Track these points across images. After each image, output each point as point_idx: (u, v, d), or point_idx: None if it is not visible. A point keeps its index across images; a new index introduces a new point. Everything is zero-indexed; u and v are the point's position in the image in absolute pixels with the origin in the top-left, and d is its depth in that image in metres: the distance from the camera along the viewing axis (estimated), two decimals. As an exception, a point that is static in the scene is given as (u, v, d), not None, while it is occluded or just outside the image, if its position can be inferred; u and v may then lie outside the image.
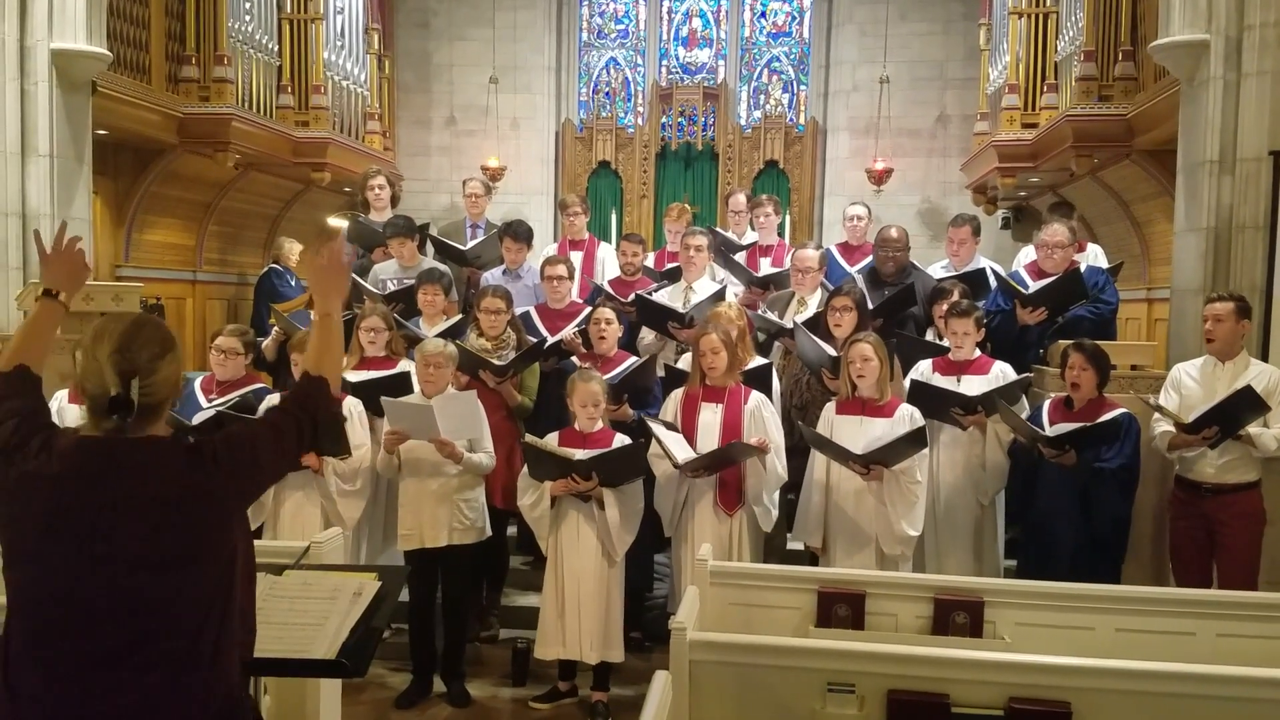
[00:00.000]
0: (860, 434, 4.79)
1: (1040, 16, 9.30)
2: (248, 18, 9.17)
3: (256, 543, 4.38)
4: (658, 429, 4.90)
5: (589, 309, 5.90)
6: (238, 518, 2.29)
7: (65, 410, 5.14)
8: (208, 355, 5.66)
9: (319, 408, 2.43)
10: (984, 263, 6.53)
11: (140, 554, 2.11)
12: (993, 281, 6.16)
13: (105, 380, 2.15)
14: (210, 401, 5.16)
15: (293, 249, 9.49)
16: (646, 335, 6.24)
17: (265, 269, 9.52)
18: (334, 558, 3.87)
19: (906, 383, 5.22)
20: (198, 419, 5.01)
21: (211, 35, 8.70)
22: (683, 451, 4.82)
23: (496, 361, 5.39)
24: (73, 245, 2.59)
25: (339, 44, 10.44)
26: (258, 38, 9.33)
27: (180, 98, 8.53)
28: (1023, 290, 5.71)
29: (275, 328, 6.37)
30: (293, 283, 9.30)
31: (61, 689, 2.09)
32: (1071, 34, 8.64)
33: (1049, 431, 4.81)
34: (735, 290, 6.45)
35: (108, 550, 2.10)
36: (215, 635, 2.16)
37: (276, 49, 9.72)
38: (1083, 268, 5.88)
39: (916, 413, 4.85)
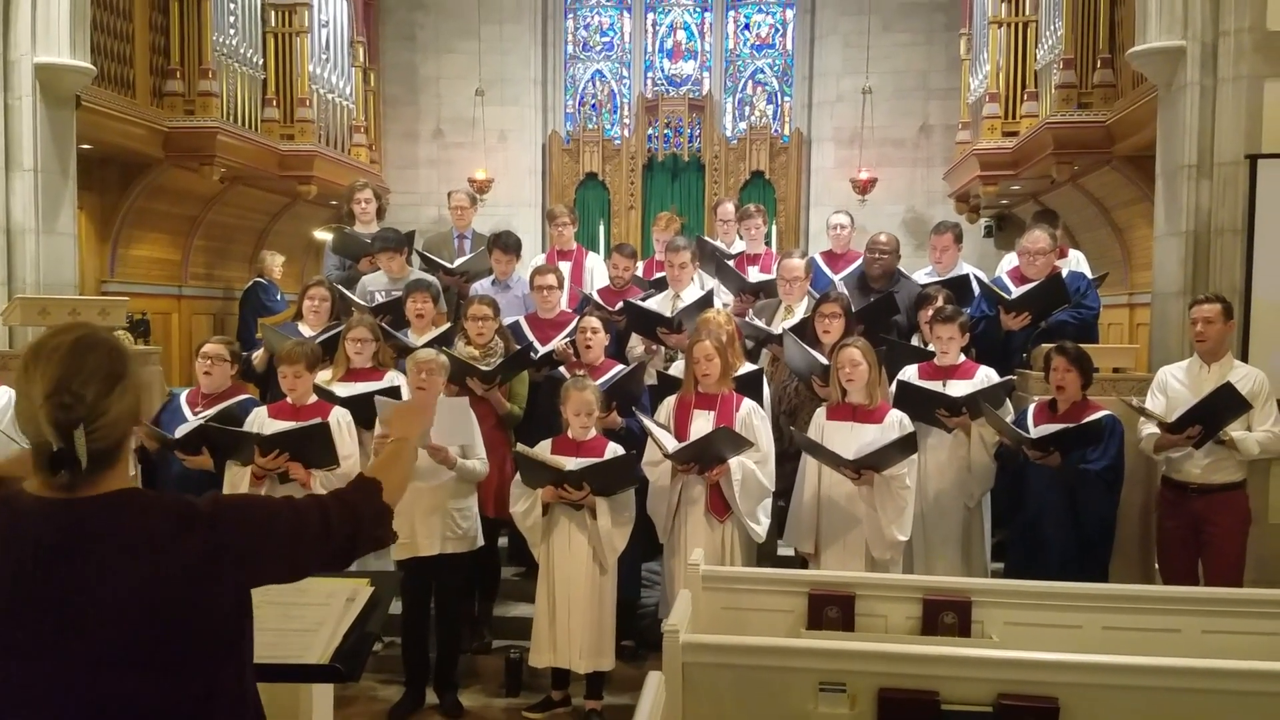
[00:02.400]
0: (851, 439, 4.81)
1: (1020, 25, 9.40)
2: (232, 31, 9.18)
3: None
4: (649, 424, 4.93)
5: (578, 318, 5.92)
6: (233, 597, 1.82)
7: None
8: (193, 369, 5.65)
9: (364, 519, 2.05)
10: (967, 269, 6.60)
11: (123, 649, 1.70)
12: (976, 288, 6.22)
13: (42, 431, 1.71)
14: (196, 414, 5.14)
15: (275, 261, 9.50)
16: (636, 345, 6.27)
17: (251, 283, 9.52)
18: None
19: (894, 387, 5.26)
20: (181, 431, 4.99)
21: (196, 49, 8.71)
22: (674, 444, 4.85)
23: (483, 368, 5.40)
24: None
25: (324, 57, 10.46)
26: (242, 51, 9.35)
27: (165, 112, 8.53)
28: (1006, 296, 5.77)
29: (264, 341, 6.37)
30: (278, 296, 9.31)
31: None
32: (1051, 42, 8.73)
33: (1033, 434, 4.85)
34: (724, 300, 6.48)
35: (81, 645, 1.68)
36: None
37: (261, 62, 9.73)
38: (1065, 273, 5.94)
39: (906, 418, 4.88)
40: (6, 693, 1.70)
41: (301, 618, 2.46)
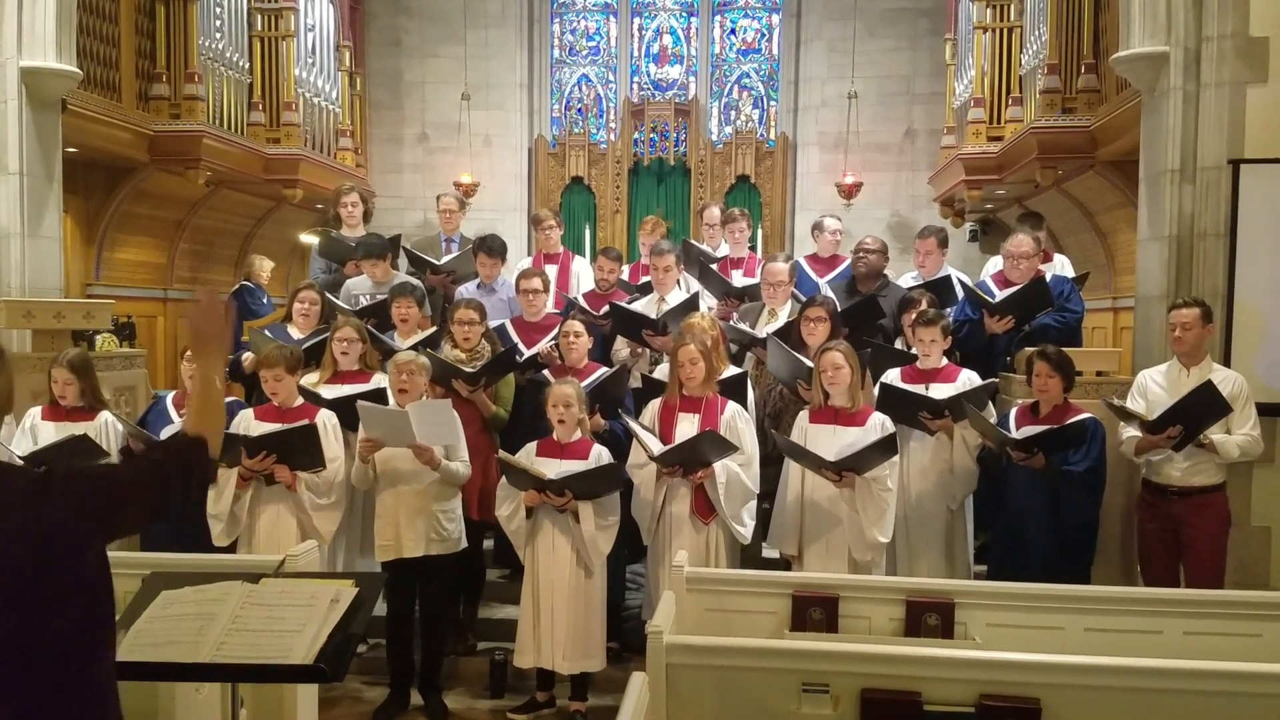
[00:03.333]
0: (834, 442, 4.83)
1: (1004, 31, 9.46)
2: (218, 35, 9.17)
3: (226, 558, 4.40)
4: (634, 426, 4.95)
5: (563, 321, 5.93)
6: (87, 557, 2.07)
7: (39, 427, 5.11)
8: (179, 372, 5.64)
9: (194, 468, 2.23)
10: (950, 271, 6.63)
11: None
12: (959, 290, 6.25)
13: None
14: (180, 415, 5.13)
15: (264, 266, 9.47)
16: (621, 349, 6.28)
17: (237, 286, 9.49)
18: (310, 570, 3.87)
19: (877, 390, 5.29)
20: (166, 433, 4.98)
21: (182, 53, 8.70)
22: (659, 447, 4.86)
23: (468, 370, 5.41)
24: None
25: (310, 61, 10.45)
26: (228, 55, 9.34)
27: (151, 115, 8.52)
28: (990, 300, 5.80)
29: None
30: (264, 300, 9.28)
31: None
32: (1035, 48, 8.79)
33: (1016, 436, 4.88)
34: (709, 303, 6.50)
35: None
36: (68, 681, 2.00)
37: (247, 66, 9.73)
38: (1049, 277, 5.98)
39: (888, 421, 4.90)
40: None
41: (285, 619, 2.47)
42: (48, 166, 6.65)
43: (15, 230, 6.41)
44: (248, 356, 6.11)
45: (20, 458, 4.92)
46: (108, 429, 5.12)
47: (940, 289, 6.19)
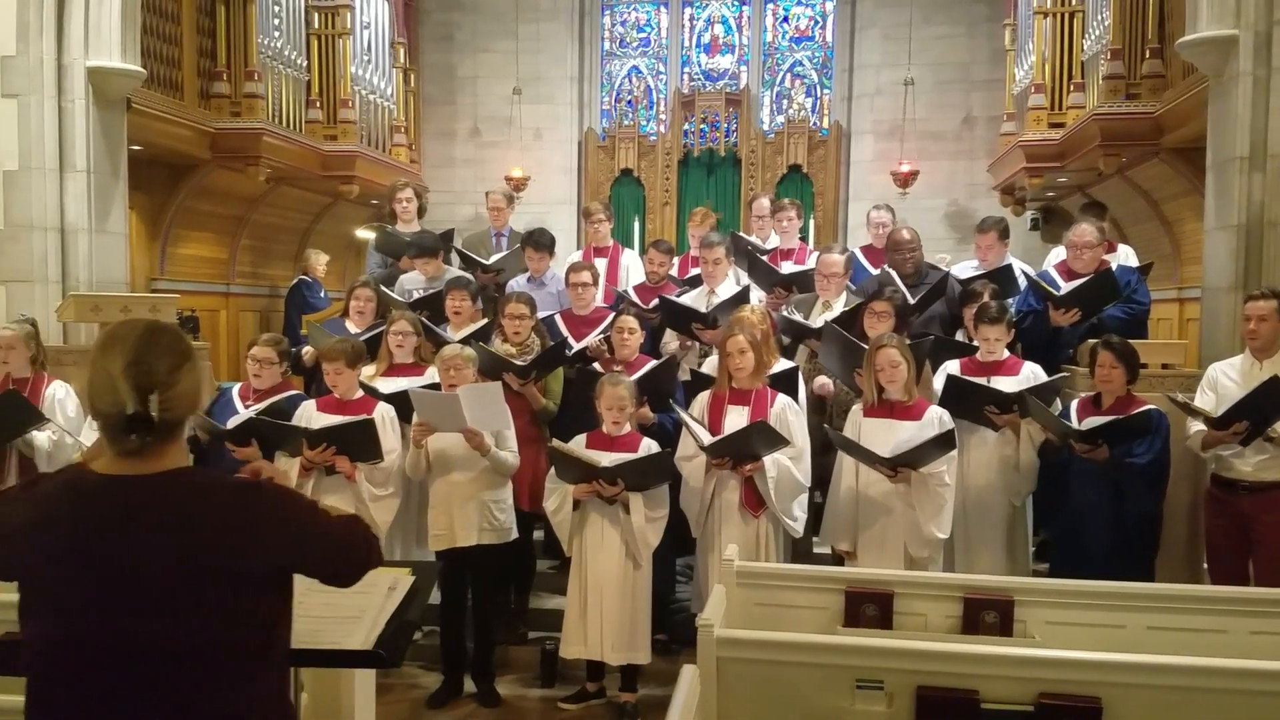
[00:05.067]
0: (889, 437, 4.77)
1: (1066, 16, 9.27)
2: (277, 34, 9.31)
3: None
4: (684, 416, 4.94)
5: (613, 315, 5.94)
6: (283, 574, 2.05)
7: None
8: (242, 365, 5.74)
9: (374, 552, 2.23)
10: (1011, 260, 6.50)
11: (172, 602, 1.89)
12: (1022, 281, 6.14)
13: (120, 396, 1.90)
14: (246, 407, 5.24)
15: (320, 260, 9.63)
16: (670, 342, 6.27)
17: (295, 281, 9.66)
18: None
19: (936, 384, 5.21)
20: (232, 423, 5.10)
21: (242, 51, 8.85)
22: (709, 438, 4.85)
23: (518, 363, 5.44)
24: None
25: (366, 59, 10.57)
26: (286, 53, 9.47)
27: (212, 113, 8.67)
28: (1054, 291, 5.68)
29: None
30: (321, 294, 9.44)
31: None
32: (1098, 33, 8.60)
33: (1080, 428, 4.79)
34: (759, 294, 6.47)
35: (135, 598, 1.89)
36: (261, 687, 1.99)
37: (305, 64, 9.86)
38: (1113, 268, 5.85)
39: (945, 415, 4.82)
40: (80, 643, 1.90)
41: (344, 605, 2.51)
42: (114, 164, 6.81)
43: (83, 226, 6.59)
44: (307, 350, 6.22)
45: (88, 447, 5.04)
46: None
47: (1002, 278, 6.07)
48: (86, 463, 2.04)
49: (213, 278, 9.64)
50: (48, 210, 6.47)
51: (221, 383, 6.70)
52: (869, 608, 3.84)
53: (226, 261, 9.83)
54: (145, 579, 1.89)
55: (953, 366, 5.29)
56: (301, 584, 2.28)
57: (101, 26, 6.51)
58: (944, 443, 4.64)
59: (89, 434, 5.16)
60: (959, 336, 5.90)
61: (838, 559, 5.10)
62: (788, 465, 4.85)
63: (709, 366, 5.51)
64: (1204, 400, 4.94)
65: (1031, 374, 5.20)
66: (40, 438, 5.15)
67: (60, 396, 5.31)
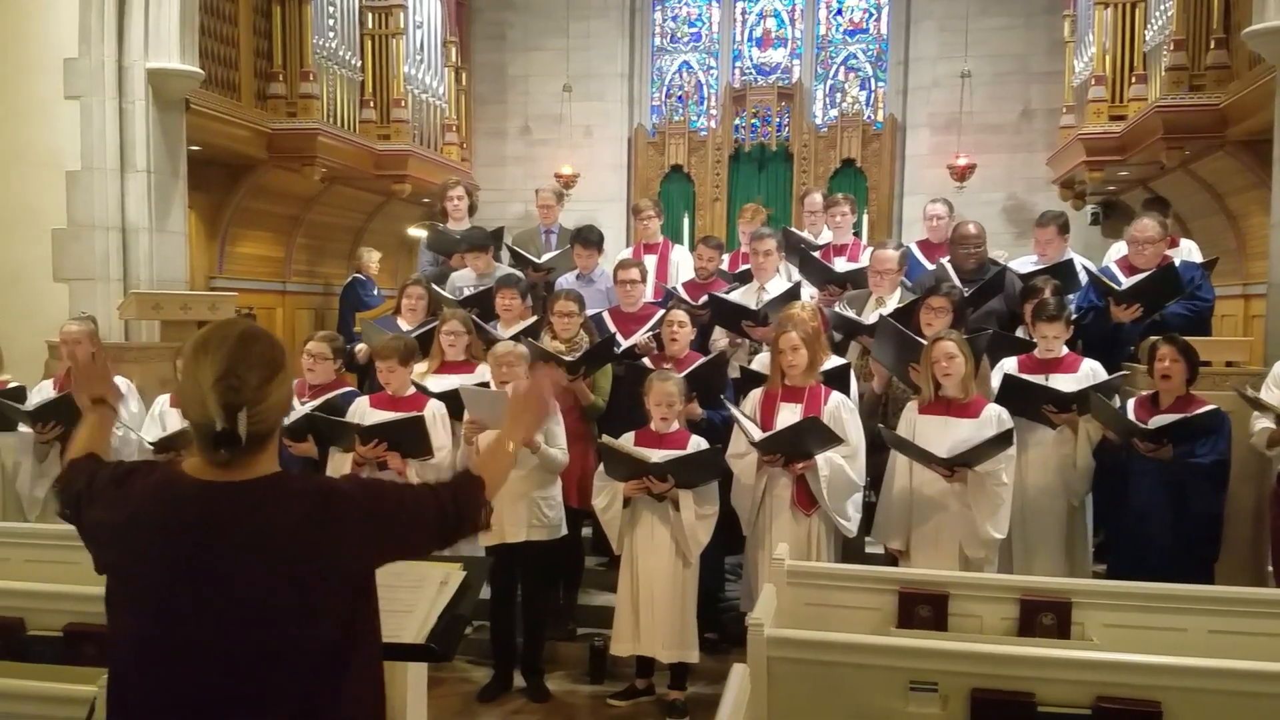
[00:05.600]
0: (945, 434, 4.69)
1: (1127, 6, 9.08)
2: (331, 34, 9.42)
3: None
4: (736, 412, 4.92)
5: (661, 312, 5.93)
6: (362, 576, 2.05)
7: (167, 414, 5.33)
8: (298, 363, 5.83)
9: (471, 505, 2.28)
10: (1071, 255, 6.38)
11: (261, 603, 1.91)
12: (1082, 276, 6.02)
13: (209, 411, 1.90)
14: (302, 404, 5.31)
15: (373, 258, 9.74)
16: (720, 338, 6.24)
17: (349, 279, 9.78)
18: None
19: (994, 381, 5.12)
20: (288, 420, 5.16)
21: (297, 52, 8.97)
22: (760, 434, 4.81)
23: (567, 359, 5.45)
24: (93, 358, 2.53)
25: (418, 58, 10.67)
26: (341, 54, 9.59)
27: (268, 114, 8.80)
28: (1116, 287, 5.57)
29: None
30: (375, 292, 9.55)
31: None
32: (1160, 23, 8.40)
33: (1147, 426, 4.68)
34: (810, 291, 6.41)
35: (222, 601, 1.90)
36: (327, 695, 1.97)
37: (359, 64, 9.97)
38: (1176, 264, 5.71)
39: (1004, 413, 4.73)
40: (168, 641, 1.91)
41: (396, 599, 2.52)
42: (173, 164, 6.94)
43: (144, 225, 6.73)
44: (361, 348, 6.29)
45: (150, 443, 5.15)
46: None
47: (1062, 273, 5.95)
48: (179, 462, 2.05)
49: (269, 276, 9.80)
50: (109, 210, 6.62)
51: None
52: (923, 609, 3.79)
53: (282, 260, 9.98)
54: (230, 584, 1.91)
55: (1010, 364, 5.20)
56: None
57: (161, 29, 6.63)
58: (1002, 442, 4.55)
59: (151, 429, 5.27)
60: (1018, 334, 5.79)
61: (890, 559, 5.04)
62: (841, 464, 4.79)
63: (759, 363, 5.47)
64: (1270, 397, 4.80)
65: (1091, 372, 5.09)
66: (107, 433, 5.25)
67: (122, 392, 5.42)
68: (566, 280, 6.73)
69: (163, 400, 5.42)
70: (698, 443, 4.89)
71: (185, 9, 6.72)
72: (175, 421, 5.24)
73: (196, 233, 8.56)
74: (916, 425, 4.84)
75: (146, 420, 5.36)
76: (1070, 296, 5.73)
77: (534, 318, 6.11)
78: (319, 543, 1.95)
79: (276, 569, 1.92)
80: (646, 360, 5.71)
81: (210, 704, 1.93)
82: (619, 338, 5.90)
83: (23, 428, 5.28)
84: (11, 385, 5.47)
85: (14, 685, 2.73)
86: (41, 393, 5.45)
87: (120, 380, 5.45)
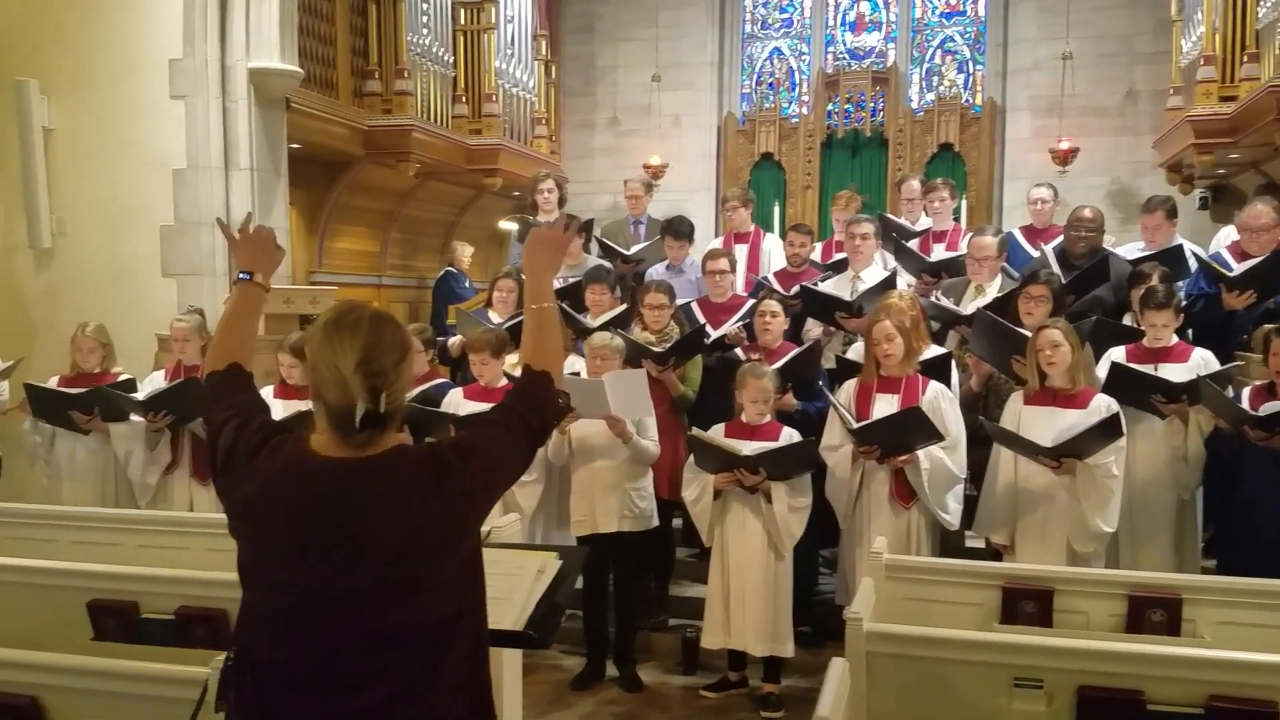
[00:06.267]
0: (1051, 425, 4.54)
1: (1239, -18, 8.67)
2: (425, 31, 9.55)
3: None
4: (833, 400, 4.86)
5: (751, 301, 5.87)
6: (476, 527, 2.13)
7: (271, 405, 5.46)
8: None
9: (545, 402, 2.30)
10: (1181, 241, 6.14)
11: (388, 575, 1.98)
12: (1191, 262, 5.79)
13: (352, 394, 1.96)
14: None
15: (465, 252, 9.86)
16: (813, 329, 6.16)
17: (442, 272, 9.92)
18: (512, 542, 3.99)
19: (1101, 371, 4.96)
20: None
21: (392, 50, 9.11)
22: (856, 422, 4.73)
23: (656, 350, 5.43)
24: (260, 228, 2.55)
25: (509, 52, 10.76)
26: (434, 50, 9.72)
27: (365, 111, 8.96)
28: (1227, 273, 5.34)
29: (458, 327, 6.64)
30: (467, 284, 9.67)
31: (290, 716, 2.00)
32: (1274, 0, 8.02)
33: (1259, 413, 4.48)
34: (906, 280, 6.29)
35: (356, 575, 1.97)
36: (453, 660, 2.04)
37: (452, 60, 10.09)
38: (1292, 248, 5.45)
39: (1113, 403, 4.57)
40: (296, 610, 1.99)
41: (495, 586, 2.55)
42: (275, 162, 7.13)
43: (248, 222, 6.90)
44: (454, 340, 6.38)
45: (141, 401, 5.28)
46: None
47: (1171, 260, 5.73)
48: (305, 439, 2.09)
49: (366, 270, 9.99)
50: (214, 207, 6.81)
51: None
52: (1027, 605, 3.69)
53: (378, 254, 10.17)
54: (359, 557, 1.97)
55: (1118, 354, 5.03)
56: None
57: (262, 28, 6.80)
58: (1109, 431, 4.39)
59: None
60: (1125, 322, 5.60)
61: (993, 553, 4.92)
62: (941, 456, 4.68)
63: (855, 352, 5.37)
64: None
65: (1202, 361, 4.89)
66: (215, 422, 5.41)
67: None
68: (656, 271, 6.72)
69: (266, 392, 5.55)
70: (790, 434, 4.84)
71: (285, 9, 6.89)
72: (280, 412, 5.35)
73: (297, 228, 8.76)
74: (1021, 416, 4.70)
75: None
76: (1179, 284, 5.52)
77: (623, 306, 6.12)
78: (439, 500, 2.01)
79: (404, 538, 1.98)
80: (738, 351, 5.67)
81: (334, 679, 1.98)
82: (708, 328, 5.87)
83: (134, 417, 5.47)
84: (123, 377, 5.67)
85: (129, 666, 2.82)
86: (152, 384, 5.64)
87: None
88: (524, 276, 2.51)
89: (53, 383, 5.66)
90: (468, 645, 2.09)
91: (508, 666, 3.94)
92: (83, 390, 5.48)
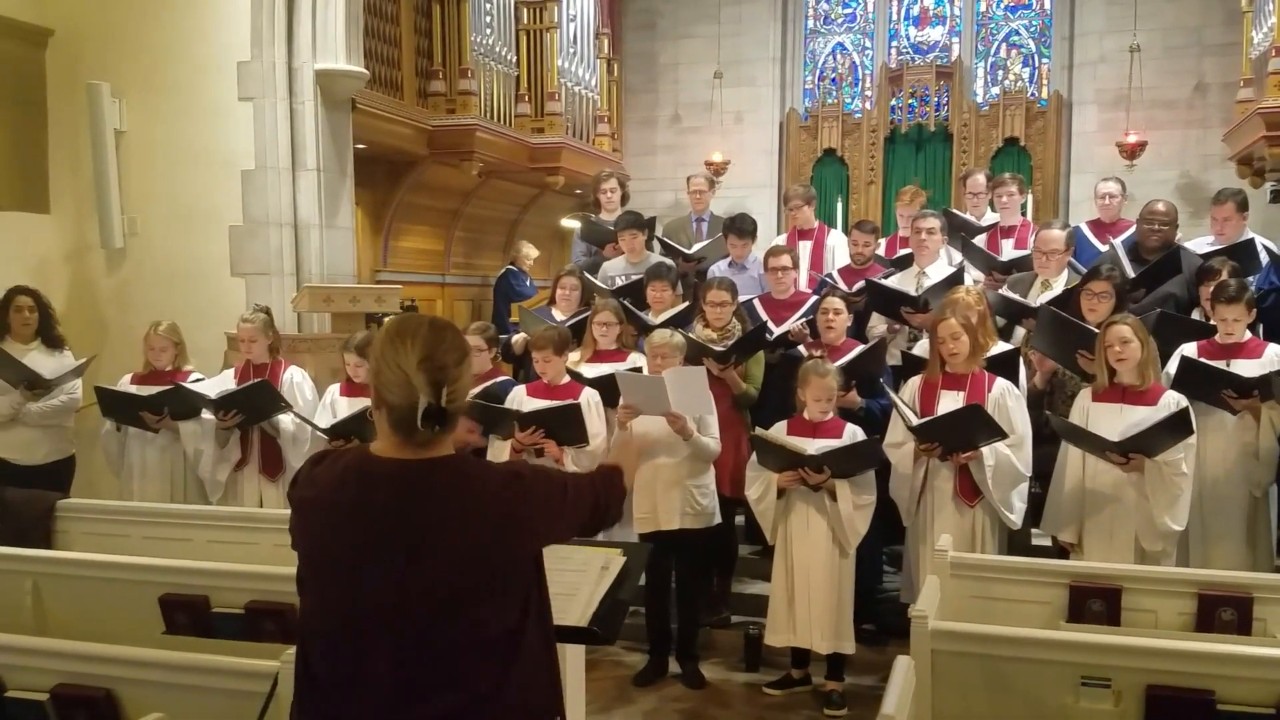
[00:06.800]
0: (1119, 422, 4.46)
1: (1313, -31, 8.41)
2: (489, 31, 9.65)
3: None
4: (895, 398, 4.83)
5: (814, 298, 5.85)
6: (536, 553, 2.18)
7: (338, 403, 5.58)
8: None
9: (613, 498, 2.45)
10: (1252, 235, 5.99)
11: (451, 582, 2.01)
12: (1263, 256, 5.64)
13: (415, 390, 2.01)
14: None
15: (529, 252, 9.95)
16: (877, 324, 6.11)
17: (503, 270, 10.02)
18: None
19: (1171, 366, 4.87)
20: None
21: (456, 50, 9.21)
22: (916, 419, 4.69)
23: (718, 348, 5.44)
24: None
25: (571, 51, 10.82)
26: (498, 49, 9.81)
27: (429, 111, 9.08)
28: (1298, 266, 5.21)
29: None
30: (528, 283, 9.76)
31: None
32: (1353, -15, 7.77)
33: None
34: (974, 276, 6.21)
35: (421, 579, 2.01)
36: (511, 673, 2.07)
37: (515, 59, 10.18)
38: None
39: (1182, 399, 4.47)
40: (358, 618, 2.03)
41: (560, 582, 2.58)
42: (341, 162, 7.25)
43: (315, 222, 7.05)
44: (518, 338, 6.45)
45: (323, 431, 5.39)
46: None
47: (1242, 254, 5.59)
48: (367, 447, 2.15)
49: (430, 268, 10.12)
50: (282, 207, 6.97)
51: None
52: (1095, 603, 3.64)
53: (442, 253, 10.30)
54: (422, 561, 2.00)
55: (1189, 350, 4.93)
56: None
57: (328, 30, 6.92)
58: (1178, 427, 4.30)
59: (323, 417, 5.53)
60: (1194, 318, 5.48)
61: (1059, 551, 4.85)
62: (1007, 454, 4.62)
63: (921, 349, 5.32)
64: None
65: (1275, 356, 4.77)
66: (285, 420, 5.54)
67: (297, 380, 5.70)
68: (719, 268, 6.72)
69: (334, 390, 5.67)
70: (853, 432, 4.81)
71: (351, 11, 7.00)
72: (345, 410, 5.47)
73: (363, 228, 8.91)
74: (1090, 413, 4.62)
75: (319, 409, 5.62)
76: (1250, 278, 5.38)
77: (684, 304, 6.13)
78: (509, 518, 2.07)
79: (469, 542, 2.03)
80: (801, 348, 5.65)
81: (395, 686, 2.00)
82: (770, 325, 5.86)
83: (204, 414, 5.59)
84: (194, 376, 5.81)
85: (201, 660, 2.88)
86: (223, 382, 5.75)
87: (295, 370, 5.74)
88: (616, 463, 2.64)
89: (125, 380, 5.80)
90: (536, 648, 2.13)
91: (571, 662, 3.97)
92: (152, 392, 5.57)
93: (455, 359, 2.08)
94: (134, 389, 5.68)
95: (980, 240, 6.54)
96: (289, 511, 2.22)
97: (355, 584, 2.03)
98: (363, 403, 5.46)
